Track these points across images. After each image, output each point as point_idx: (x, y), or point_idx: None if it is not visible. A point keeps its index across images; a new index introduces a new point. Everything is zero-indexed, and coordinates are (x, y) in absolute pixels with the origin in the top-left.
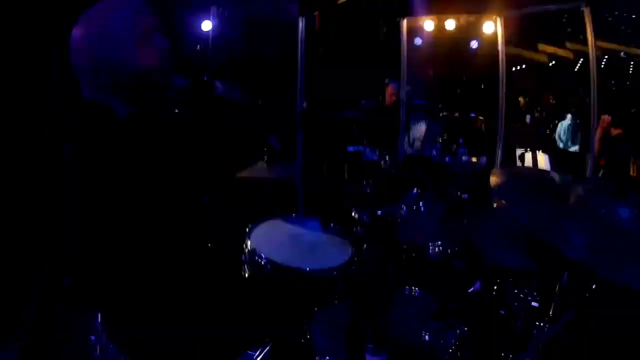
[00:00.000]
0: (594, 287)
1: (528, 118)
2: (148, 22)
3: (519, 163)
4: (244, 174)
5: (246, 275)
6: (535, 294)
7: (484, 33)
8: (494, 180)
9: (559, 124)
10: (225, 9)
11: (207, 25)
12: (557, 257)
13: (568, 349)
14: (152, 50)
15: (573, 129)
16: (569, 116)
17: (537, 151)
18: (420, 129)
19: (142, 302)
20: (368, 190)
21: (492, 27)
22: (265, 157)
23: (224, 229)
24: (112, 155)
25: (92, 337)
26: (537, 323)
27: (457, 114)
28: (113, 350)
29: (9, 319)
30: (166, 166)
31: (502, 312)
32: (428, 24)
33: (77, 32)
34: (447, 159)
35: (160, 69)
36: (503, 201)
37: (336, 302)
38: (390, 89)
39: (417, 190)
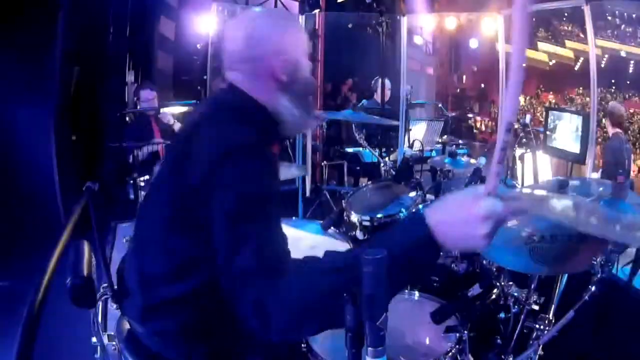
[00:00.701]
0: (593, 289)
1: (528, 118)
2: None
3: (519, 163)
4: None
5: None
6: (534, 295)
7: (484, 32)
8: None
9: (559, 124)
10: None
11: (208, 23)
12: None
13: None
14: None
15: (573, 129)
16: (569, 116)
17: (537, 151)
18: (420, 129)
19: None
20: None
21: (492, 25)
22: None
23: None
24: None
25: (93, 338)
26: (536, 325)
27: (456, 114)
28: (114, 352)
29: None
30: None
31: (502, 314)
32: (428, 23)
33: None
34: (446, 159)
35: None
36: None
37: None
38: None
39: (417, 192)
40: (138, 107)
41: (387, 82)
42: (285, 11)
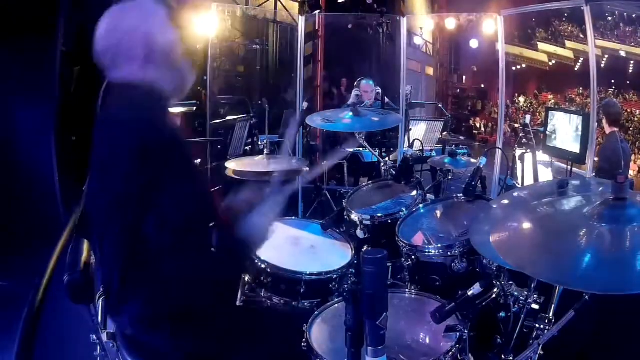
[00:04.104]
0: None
1: (528, 118)
2: None
3: (519, 163)
4: (244, 167)
5: (246, 278)
6: (534, 295)
7: (484, 32)
8: None
9: (559, 124)
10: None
11: (208, 24)
12: None
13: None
14: None
15: (573, 129)
16: (569, 116)
17: (537, 151)
18: (420, 130)
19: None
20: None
21: (492, 26)
22: (265, 151)
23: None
24: None
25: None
26: (536, 325)
27: (456, 114)
28: (112, 349)
29: None
30: None
31: (502, 314)
32: (428, 23)
33: None
34: (446, 159)
35: None
36: None
37: (336, 304)
38: (364, 87)
39: (417, 192)
40: None
41: (371, 83)
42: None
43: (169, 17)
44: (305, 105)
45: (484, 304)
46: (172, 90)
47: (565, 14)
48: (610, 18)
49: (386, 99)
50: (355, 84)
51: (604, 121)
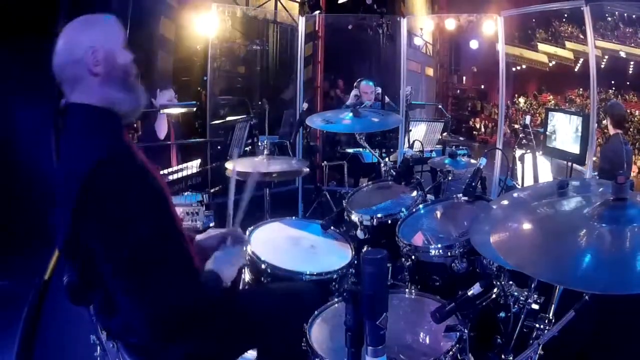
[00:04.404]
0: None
1: (528, 119)
2: None
3: (518, 164)
4: (245, 168)
5: (246, 278)
6: (534, 295)
7: (484, 33)
8: None
9: (559, 125)
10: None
11: (208, 24)
12: None
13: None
14: None
15: (573, 130)
16: (569, 116)
17: (537, 152)
18: (420, 130)
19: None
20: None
21: (492, 26)
22: (265, 151)
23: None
24: None
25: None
26: (536, 325)
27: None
28: (112, 349)
29: None
30: None
31: (502, 314)
32: (428, 24)
33: None
34: (446, 160)
35: None
36: None
37: (336, 304)
38: (363, 88)
39: (417, 192)
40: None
41: (371, 84)
42: (92, 15)
43: (124, 39)
44: (305, 106)
45: (484, 304)
46: (128, 111)
47: (565, 15)
48: (610, 19)
49: (386, 99)
50: (355, 84)
51: (607, 122)
